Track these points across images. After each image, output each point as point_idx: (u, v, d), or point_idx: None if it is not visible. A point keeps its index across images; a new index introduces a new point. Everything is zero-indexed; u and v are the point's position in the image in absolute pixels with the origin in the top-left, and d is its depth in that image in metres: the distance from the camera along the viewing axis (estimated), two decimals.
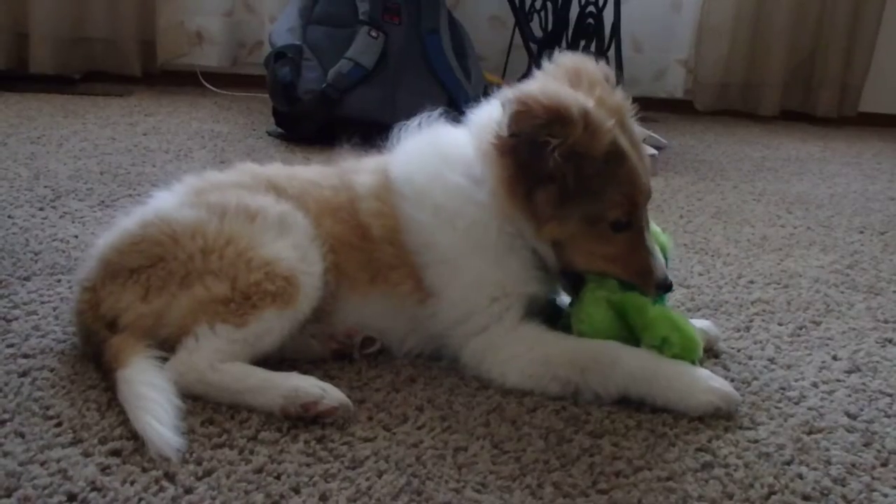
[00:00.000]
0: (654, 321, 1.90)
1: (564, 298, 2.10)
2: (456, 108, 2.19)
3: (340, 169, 2.14)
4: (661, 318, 1.90)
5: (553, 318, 2.05)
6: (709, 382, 1.86)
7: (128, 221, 1.99)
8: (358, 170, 2.10)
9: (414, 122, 2.11)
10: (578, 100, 1.82)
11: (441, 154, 2.01)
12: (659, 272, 1.92)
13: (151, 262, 1.88)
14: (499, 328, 1.94)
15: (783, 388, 2.01)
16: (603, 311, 1.92)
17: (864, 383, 2.07)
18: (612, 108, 1.90)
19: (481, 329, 1.95)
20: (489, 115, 1.94)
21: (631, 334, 1.93)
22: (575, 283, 1.98)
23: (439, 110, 2.12)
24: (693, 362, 1.91)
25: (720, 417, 1.85)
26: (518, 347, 1.92)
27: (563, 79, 1.96)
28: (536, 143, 1.78)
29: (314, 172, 2.17)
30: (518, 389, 1.90)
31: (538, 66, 2.08)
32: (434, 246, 1.95)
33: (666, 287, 1.94)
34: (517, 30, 5.66)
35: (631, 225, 1.89)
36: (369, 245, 1.99)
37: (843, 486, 1.66)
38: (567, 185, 1.81)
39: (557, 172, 1.80)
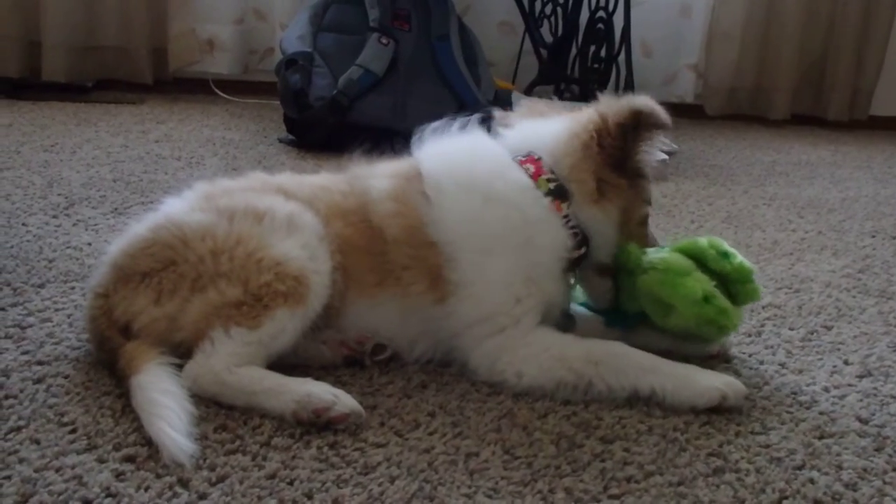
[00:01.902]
0: (711, 243, 2.10)
1: (576, 307, 2.16)
2: (466, 114, 2.21)
3: (352, 174, 2.15)
4: (713, 242, 2.11)
5: (565, 327, 2.07)
6: (715, 374, 1.95)
7: (138, 227, 2.01)
8: (372, 175, 2.12)
9: (443, 123, 2.15)
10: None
11: (489, 156, 2.10)
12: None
13: (163, 265, 1.89)
14: (515, 331, 1.96)
15: (794, 393, 2.02)
16: (669, 255, 2.07)
17: (875, 388, 2.07)
18: None
19: (497, 330, 1.96)
20: (553, 127, 2.11)
21: (699, 265, 2.07)
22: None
23: (472, 116, 2.19)
24: (753, 287, 2.09)
25: (729, 420, 1.86)
26: (534, 348, 1.94)
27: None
28: (633, 144, 2.03)
29: (324, 178, 2.21)
30: (532, 387, 1.91)
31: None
32: (470, 239, 1.97)
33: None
34: (527, 35, 5.68)
35: None
36: (380, 247, 2.00)
37: (855, 490, 1.66)
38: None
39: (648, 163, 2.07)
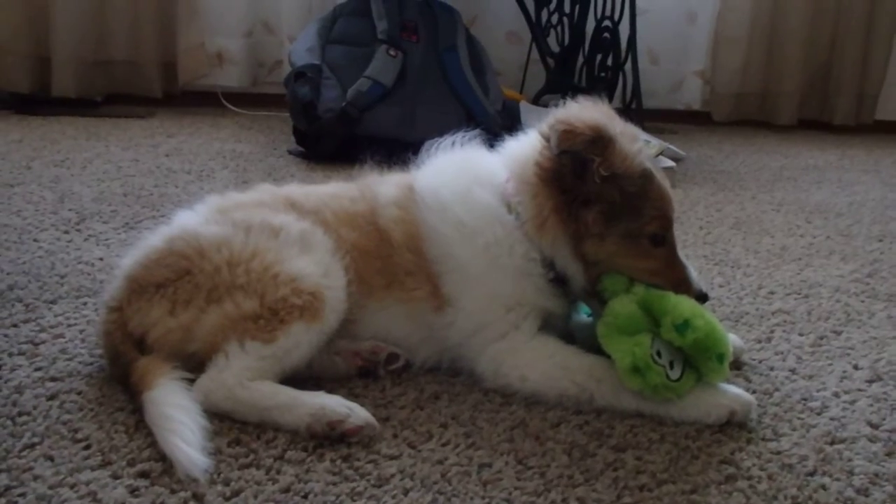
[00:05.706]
0: (678, 304, 1.87)
1: (579, 317, 2.14)
2: (475, 125, 2.22)
3: (362, 183, 2.18)
4: (685, 303, 1.88)
5: (569, 337, 2.06)
6: (721, 389, 1.90)
7: (152, 239, 2.02)
8: (382, 182, 2.16)
9: (447, 140, 2.16)
10: (611, 123, 1.92)
11: (472, 172, 2.07)
12: (696, 283, 1.98)
13: (178, 275, 1.90)
14: (517, 335, 1.97)
15: (805, 399, 2.02)
16: (627, 305, 1.90)
17: (885, 392, 2.08)
18: (630, 134, 1.97)
19: (499, 336, 1.98)
20: (524, 147, 2.03)
21: (655, 326, 1.88)
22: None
23: (474, 132, 2.18)
24: (720, 359, 1.85)
25: (741, 427, 1.86)
26: (538, 353, 1.96)
27: None
28: (579, 165, 1.87)
29: (332, 187, 2.24)
30: (535, 392, 1.93)
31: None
32: (452, 257, 1.99)
33: (704, 297, 1.97)
34: (534, 45, 5.69)
35: (666, 239, 1.96)
36: (387, 251, 2.03)
37: (867, 496, 1.66)
38: (613, 205, 1.89)
39: (603, 193, 1.87)
